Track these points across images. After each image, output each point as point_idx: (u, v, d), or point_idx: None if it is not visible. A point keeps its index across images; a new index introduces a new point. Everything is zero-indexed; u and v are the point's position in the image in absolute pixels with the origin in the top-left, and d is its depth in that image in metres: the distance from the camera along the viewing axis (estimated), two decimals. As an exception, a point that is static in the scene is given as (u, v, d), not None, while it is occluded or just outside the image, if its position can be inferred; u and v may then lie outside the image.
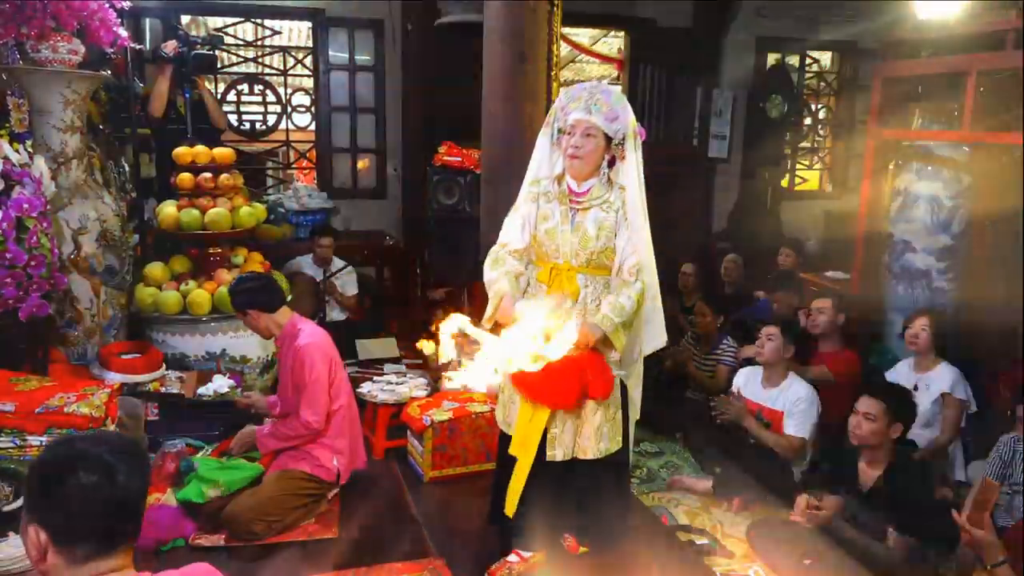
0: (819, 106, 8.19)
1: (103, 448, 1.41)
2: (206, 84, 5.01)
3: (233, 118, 6.21)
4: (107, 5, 3.83)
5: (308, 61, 6.48)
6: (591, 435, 2.65)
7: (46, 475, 1.39)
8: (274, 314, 3.24)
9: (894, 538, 2.81)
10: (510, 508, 2.71)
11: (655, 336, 2.83)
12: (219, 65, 5.47)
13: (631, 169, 2.61)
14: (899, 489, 2.86)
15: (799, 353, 4.01)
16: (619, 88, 6.27)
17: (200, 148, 4.34)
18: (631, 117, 2.60)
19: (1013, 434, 3.10)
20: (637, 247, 2.59)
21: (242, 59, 6.45)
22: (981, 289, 4.88)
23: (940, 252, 4.77)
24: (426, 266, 6.01)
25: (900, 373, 3.92)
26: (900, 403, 3.00)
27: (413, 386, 3.98)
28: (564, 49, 6.31)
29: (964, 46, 4.48)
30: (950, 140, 4.71)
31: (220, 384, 3.90)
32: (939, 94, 4.79)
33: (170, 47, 4.56)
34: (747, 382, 3.90)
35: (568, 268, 2.64)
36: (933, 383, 3.75)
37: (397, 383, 4.03)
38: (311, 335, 3.21)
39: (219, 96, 6.12)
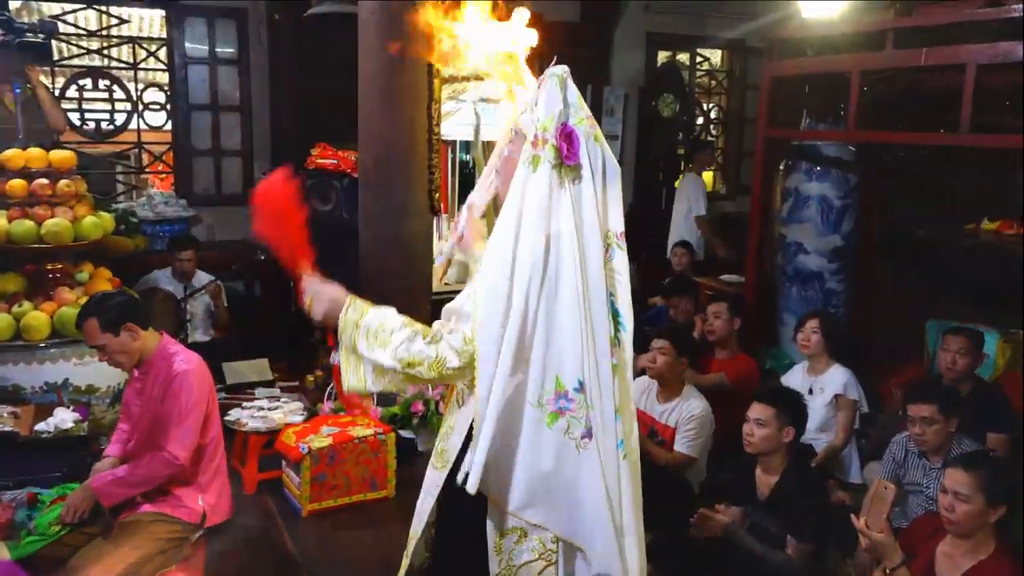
0: (711, 105, 8.55)
1: None
2: (40, 78, 4.74)
3: (74, 117, 5.93)
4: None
5: (162, 53, 6.25)
6: None
7: None
8: (147, 332, 3.03)
9: (793, 545, 2.94)
10: None
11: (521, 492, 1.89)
12: (55, 56, 5.19)
13: (515, 187, 1.86)
14: (795, 495, 2.98)
15: (696, 359, 4.12)
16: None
17: (34, 151, 4.11)
18: (547, 113, 1.87)
19: (904, 434, 3.29)
20: (476, 297, 1.86)
21: (84, 50, 6.14)
22: (871, 290, 5.22)
23: (831, 253, 5.06)
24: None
25: (795, 377, 4.11)
26: (790, 406, 3.10)
27: (288, 411, 3.87)
28: (446, 44, 6.35)
29: (847, 45, 4.77)
30: (836, 140, 5.01)
31: (62, 419, 3.65)
32: (825, 93, 5.08)
33: (-7, 35, 4.29)
34: (643, 395, 3.91)
35: None
36: (827, 385, 3.94)
37: (270, 408, 3.91)
38: (188, 361, 3.04)
39: (57, 92, 5.80)
